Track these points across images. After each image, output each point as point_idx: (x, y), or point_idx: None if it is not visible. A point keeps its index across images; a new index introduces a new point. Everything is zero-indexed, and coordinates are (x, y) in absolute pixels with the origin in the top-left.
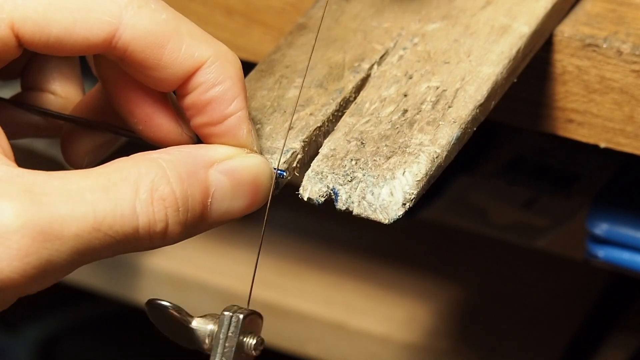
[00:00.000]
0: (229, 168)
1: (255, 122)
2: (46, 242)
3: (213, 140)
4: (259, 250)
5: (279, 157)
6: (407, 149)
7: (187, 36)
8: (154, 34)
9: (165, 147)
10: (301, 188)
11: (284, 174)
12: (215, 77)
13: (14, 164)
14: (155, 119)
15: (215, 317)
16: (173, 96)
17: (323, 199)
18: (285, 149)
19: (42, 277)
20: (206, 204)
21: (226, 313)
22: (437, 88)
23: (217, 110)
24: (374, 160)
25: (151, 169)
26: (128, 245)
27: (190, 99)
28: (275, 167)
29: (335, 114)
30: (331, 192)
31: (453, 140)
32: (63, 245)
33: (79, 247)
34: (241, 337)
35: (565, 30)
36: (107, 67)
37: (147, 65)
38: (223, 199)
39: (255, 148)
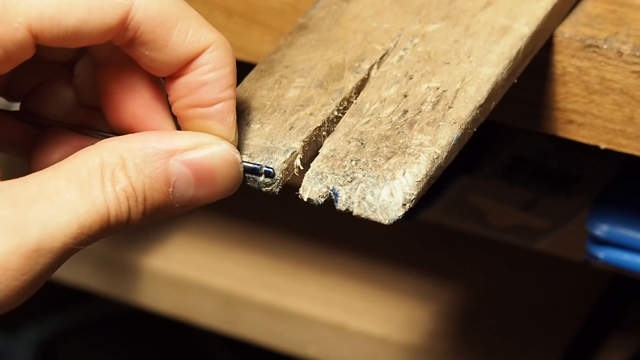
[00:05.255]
0: (190, 158)
1: (255, 122)
2: (39, 258)
3: (195, 122)
4: None
5: (277, 157)
6: (407, 150)
7: (195, 20)
8: (165, 15)
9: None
10: (301, 188)
11: (271, 170)
12: (217, 62)
13: None
14: (147, 114)
15: None
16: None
17: (323, 200)
18: (285, 149)
19: (35, 288)
20: (167, 193)
21: None
22: (438, 89)
23: (211, 92)
24: (374, 160)
25: (112, 159)
26: (101, 236)
27: (185, 79)
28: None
29: (335, 114)
30: (331, 192)
31: (453, 141)
32: (53, 256)
33: (66, 252)
34: None
35: (566, 31)
36: (106, 59)
37: (155, 47)
38: (187, 188)
39: (234, 138)
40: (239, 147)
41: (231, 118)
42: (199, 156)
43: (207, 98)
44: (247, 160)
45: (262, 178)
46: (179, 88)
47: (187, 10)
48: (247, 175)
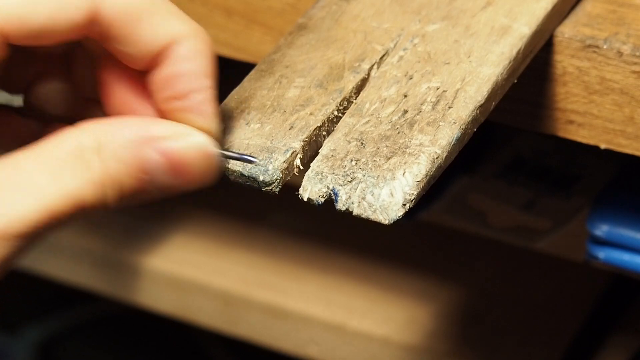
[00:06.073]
0: (166, 148)
1: (255, 122)
2: (5, 242)
3: (175, 115)
4: None
5: (277, 156)
6: (407, 150)
7: (164, 11)
8: (132, 7)
9: None
10: (301, 188)
11: (255, 160)
12: (188, 52)
13: None
14: (132, 104)
15: None
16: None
17: (323, 200)
18: (285, 148)
19: (2, 272)
20: (141, 179)
21: None
22: (437, 89)
23: (184, 83)
24: (374, 160)
25: (89, 143)
26: (74, 220)
27: (160, 72)
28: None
29: (335, 114)
30: (331, 192)
31: (453, 141)
32: (21, 240)
33: (34, 238)
34: None
35: (566, 31)
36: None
37: (125, 41)
38: (163, 175)
39: (215, 131)
40: (239, 146)
41: (209, 109)
42: (173, 146)
43: (182, 89)
44: (230, 151)
45: (249, 167)
46: (156, 81)
47: (156, 1)
48: (247, 174)
